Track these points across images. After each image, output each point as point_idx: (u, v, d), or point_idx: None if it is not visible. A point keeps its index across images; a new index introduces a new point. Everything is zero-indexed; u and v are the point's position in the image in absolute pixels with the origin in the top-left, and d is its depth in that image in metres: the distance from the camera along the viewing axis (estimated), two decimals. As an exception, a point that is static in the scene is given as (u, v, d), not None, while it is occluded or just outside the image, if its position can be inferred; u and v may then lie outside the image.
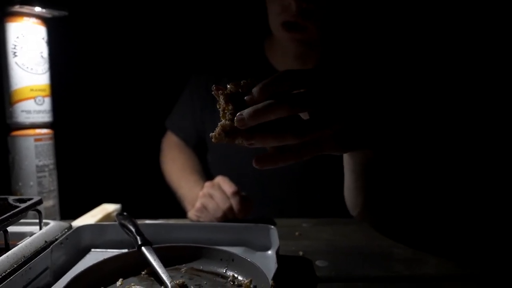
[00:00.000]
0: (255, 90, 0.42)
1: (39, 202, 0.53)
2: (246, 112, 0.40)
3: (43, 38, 0.69)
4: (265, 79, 0.42)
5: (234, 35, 1.02)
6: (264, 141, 0.42)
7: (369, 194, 0.62)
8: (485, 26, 1.21)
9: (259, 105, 0.40)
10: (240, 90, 0.42)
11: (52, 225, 0.55)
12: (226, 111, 0.43)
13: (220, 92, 0.43)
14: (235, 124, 0.41)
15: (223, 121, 0.43)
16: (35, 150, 0.68)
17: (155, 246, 0.52)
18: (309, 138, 0.43)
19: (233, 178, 0.77)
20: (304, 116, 0.46)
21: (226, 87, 0.43)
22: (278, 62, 0.89)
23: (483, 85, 1.22)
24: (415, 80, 0.87)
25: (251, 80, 0.43)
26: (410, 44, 1.18)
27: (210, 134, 0.43)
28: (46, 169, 0.70)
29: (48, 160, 0.70)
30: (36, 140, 0.68)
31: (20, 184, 0.68)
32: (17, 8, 0.63)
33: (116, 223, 0.59)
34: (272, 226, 0.58)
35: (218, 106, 0.44)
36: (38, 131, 0.68)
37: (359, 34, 0.94)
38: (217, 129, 0.43)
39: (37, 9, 0.65)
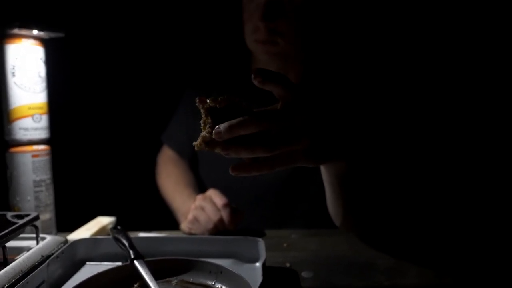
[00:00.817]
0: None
1: (36, 218, 0.55)
2: (222, 126, 0.45)
3: (41, 58, 0.71)
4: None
5: (223, 51, 1.06)
6: (238, 152, 0.46)
7: (348, 204, 0.65)
8: (457, 36, 1.25)
9: (234, 121, 0.45)
10: (217, 105, 0.46)
11: (49, 239, 0.58)
12: (206, 124, 0.47)
13: (201, 106, 0.47)
14: (213, 136, 0.45)
15: (204, 132, 0.47)
16: (32, 166, 0.70)
17: (147, 259, 0.54)
18: (277, 152, 0.47)
19: (223, 189, 0.80)
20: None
21: (205, 102, 0.47)
22: None
23: (461, 94, 1.26)
24: (391, 90, 0.91)
25: (227, 96, 0.47)
26: (387, 55, 1.23)
27: (193, 143, 0.48)
28: (43, 183, 0.72)
29: (45, 175, 0.73)
30: (33, 156, 0.71)
31: (17, 198, 0.71)
32: (16, 30, 0.66)
33: (110, 237, 0.61)
34: (260, 239, 0.61)
35: (201, 117, 0.48)
36: (35, 147, 0.71)
37: (337, 46, 0.98)
38: (199, 140, 0.47)
39: (35, 31, 0.67)
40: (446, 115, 1.26)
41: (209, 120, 0.46)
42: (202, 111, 0.47)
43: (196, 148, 0.47)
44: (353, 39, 1.18)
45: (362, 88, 0.88)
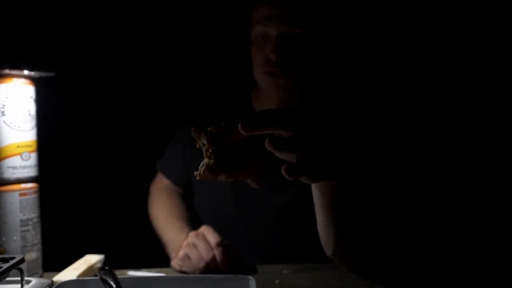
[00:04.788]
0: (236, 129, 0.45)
1: (21, 261, 0.54)
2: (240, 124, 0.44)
3: (31, 97, 0.72)
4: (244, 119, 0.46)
5: (222, 86, 1.08)
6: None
7: (340, 229, 0.63)
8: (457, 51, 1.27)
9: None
10: (222, 131, 0.46)
11: (34, 283, 0.56)
12: (208, 151, 0.46)
13: (203, 133, 0.46)
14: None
15: (206, 159, 0.46)
16: (19, 205, 0.69)
17: (134, 302, 0.53)
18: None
19: (217, 220, 0.79)
20: None
21: (206, 129, 0.47)
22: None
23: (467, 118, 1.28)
24: (389, 111, 0.93)
25: (225, 123, 0.47)
26: (388, 80, 1.25)
27: (195, 173, 0.47)
28: (30, 222, 0.71)
29: (32, 213, 0.71)
30: (21, 195, 0.70)
31: (3, 238, 0.69)
32: (7, 71, 0.67)
33: (98, 278, 0.60)
34: (251, 277, 0.60)
35: (197, 146, 0.47)
36: (23, 186, 0.70)
37: (338, 79, 1.00)
38: (202, 168, 0.46)
39: (26, 71, 0.68)
40: (447, 137, 1.27)
41: (213, 147, 0.46)
42: (203, 138, 0.46)
43: (198, 178, 0.46)
44: (353, 63, 1.21)
45: (359, 108, 0.89)
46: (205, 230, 0.77)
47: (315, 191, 0.60)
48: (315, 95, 0.93)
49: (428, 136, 1.24)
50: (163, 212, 0.99)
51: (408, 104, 1.22)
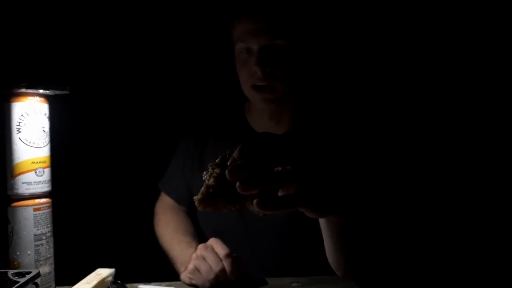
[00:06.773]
0: (235, 153, 0.46)
1: (37, 275, 0.55)
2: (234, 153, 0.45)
3: (45, 114, 0.74)
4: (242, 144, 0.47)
5: (218, 100, 1.10)
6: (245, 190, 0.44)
7: (350, 255, 0.64)
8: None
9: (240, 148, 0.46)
10: (225, 159, 0.48)
11: (49, 297, 0.57)
12: (212, 175, 0.48)
13: (210, 164, 0.48)
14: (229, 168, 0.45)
15: (207, 181, 0.48)
16: (33, 219, 0.71)
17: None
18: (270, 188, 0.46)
19: (222, 236, 0.80)
20: None
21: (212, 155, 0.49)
22: (255, 123, 0.96)
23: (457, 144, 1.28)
24: (387, 138, 0.94)
25: (231, 151, 0.48)
26: (381, 95, 1.27)
27: (194, 197, 0.48)
28: (44, 237, 0.73)
29: (46, 228, 0.73)
30: (35, 209, 0.71)
31: (18, 253, 0.70)
32: (23, 90, 0.69)
33: (111, 291, 0.61)
34: (261, 290, 0.61)
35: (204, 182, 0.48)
36: (37, 201, 0.72)
37: (329, 89, 1.02)
38: (201, 190, 0.47)
39: (41, 90, 0.70)
40: (443, 158, 1.27)
41: (217, 171, 0.47)
42: (210, 170, 0.48)
43: (196, 203, 0.47)
44: (345, 78, 1.23)
45: (358, 133, 0.91)
46: (213, 242, 0.78)
47: (322, 223, 0.61)
48: (307, 104, 0.94)
49: (425, 152, 1.24)
50: (169, 229, 1.00)
51: (401, 112, 1.23)
